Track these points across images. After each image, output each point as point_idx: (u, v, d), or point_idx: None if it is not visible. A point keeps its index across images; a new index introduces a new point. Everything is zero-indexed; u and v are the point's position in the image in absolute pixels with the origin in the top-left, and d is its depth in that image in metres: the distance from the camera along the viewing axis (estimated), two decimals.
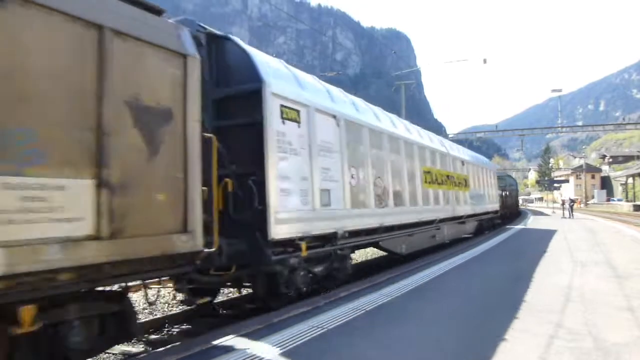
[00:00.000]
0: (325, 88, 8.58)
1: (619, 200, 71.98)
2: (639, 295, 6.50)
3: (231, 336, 4.67)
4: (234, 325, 5.20)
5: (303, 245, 6.67)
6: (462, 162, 16.82)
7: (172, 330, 6.71)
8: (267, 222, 6.02)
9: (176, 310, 7.71)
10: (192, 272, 4.77)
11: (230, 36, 6.75)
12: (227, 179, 6.00)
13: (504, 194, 30.42)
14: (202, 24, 6.42)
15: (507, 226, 23.23)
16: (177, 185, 4.25)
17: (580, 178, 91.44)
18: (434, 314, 5.80)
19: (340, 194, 7.84)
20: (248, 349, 4.30)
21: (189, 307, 7.40)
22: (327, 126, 7.73)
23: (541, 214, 43.05)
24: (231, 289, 8.78)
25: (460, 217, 15.92)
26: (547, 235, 17.08)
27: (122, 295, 4.24)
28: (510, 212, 32.83)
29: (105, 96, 3.64)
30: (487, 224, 21.24)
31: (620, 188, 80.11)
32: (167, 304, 8.13)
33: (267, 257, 6.03)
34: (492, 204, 21.44)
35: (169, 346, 4.51)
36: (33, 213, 3.11)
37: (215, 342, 4.48)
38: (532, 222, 27.03)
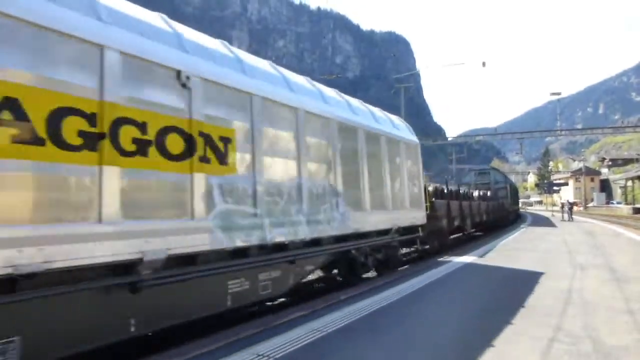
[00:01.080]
0: None
1: (618, 203, 72.03)
2: (639, 298, 6.51)
3: (231, 339, 4.69)
4: (234, 329, 5.21)
5: None
6: (178, 76, 5.00)
7: None
8: None
9: None
10: None
11: None
12: None
13: (480, 194, 23.15)
14: None
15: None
16: None
17: (579, 181, 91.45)
18: (433, 315, 5.80)
19: None
20: (248, 352, 4.30)
21: None
22: None
23: (541, 219, 35.39)
24: None
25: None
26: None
27: None
28: (497, 218, 25.49)
29: None
30: (371, 261, 9.43)
31: (619, 191, 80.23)
32: None
33: None
34: (393, 214, 9.96)
35: (170, 350, 4.51)
36: None
37: (214, 346, 4.48)
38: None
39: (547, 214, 45.00)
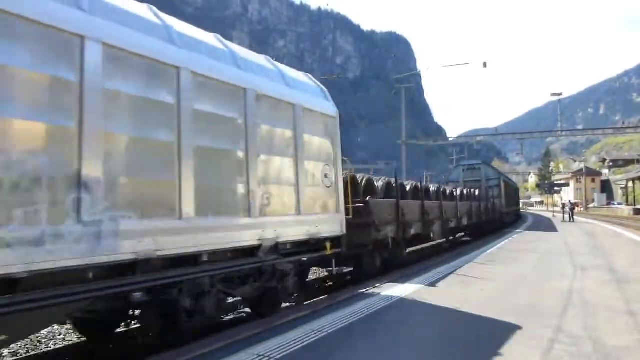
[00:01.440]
0: None
1: (619, 204, 71.95)
2: (639, 299, 6.50)
3: (231, 340, 4.68)
4: (235, 329, 5.21)
5: None
6: None
7: None
8: None
9: None
10: None
11: None
12: None
13: (464, 192, 19.67)
14: None
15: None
16: None
17: (580, 182, 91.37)
18: (434, 316, 5.80)
19: None
20: (247, 353, 4.30)
21: None
22: None
23: (542, 221, 33.57)
24: None
25: None
26: None
27: None
28: (486, 221, 21.76)
29: None
30: (213, 304, 5.41)
31: (620, 192, 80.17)
32: None
33: None
34: (266, 222, 6.00)
35: (172, 350, 4.50)
36: None
37: (215, 346, 4.48)
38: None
39: (549, 215, 44.98)
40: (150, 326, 5.36)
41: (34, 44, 3.67)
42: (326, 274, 11.32)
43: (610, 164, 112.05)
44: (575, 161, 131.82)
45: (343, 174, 8.34)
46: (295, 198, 6.70)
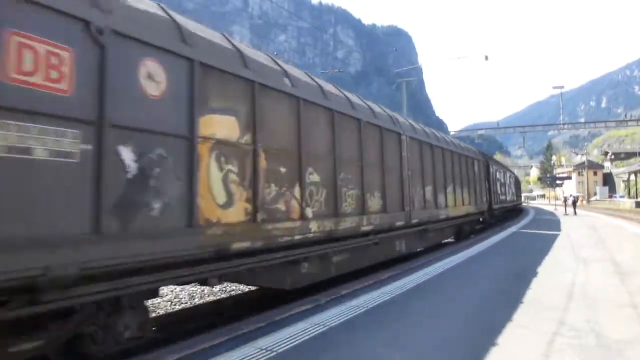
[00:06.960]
0: None
1: (621, 196, 71.75)
2: None
3: (234, 334, 4.69)
4: (236, 323, 5.21)
5: None
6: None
7: None
8: None
9: None
10: None
11: None
12: None
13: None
14: None
15: None
16: None
17: (582, 175, 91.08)
18: (435, 311, 5.80)
19: None
20: (251, 346, 4.31)
21: None
22: None
23: (543, 218, 29.69)
24: None
25: None
26: None
27: None
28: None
29: None
30: None
31: (622, 185, 79.94)
32: None
33: None
34: None
35: (171, 345, 4.52)
36: None
37: (218, 340, 4.49)
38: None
39: (550, 208, 44.87)
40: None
41: None
42: None
43: (612, 156, 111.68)
44: (577, 154, 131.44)
45: None
46: None
